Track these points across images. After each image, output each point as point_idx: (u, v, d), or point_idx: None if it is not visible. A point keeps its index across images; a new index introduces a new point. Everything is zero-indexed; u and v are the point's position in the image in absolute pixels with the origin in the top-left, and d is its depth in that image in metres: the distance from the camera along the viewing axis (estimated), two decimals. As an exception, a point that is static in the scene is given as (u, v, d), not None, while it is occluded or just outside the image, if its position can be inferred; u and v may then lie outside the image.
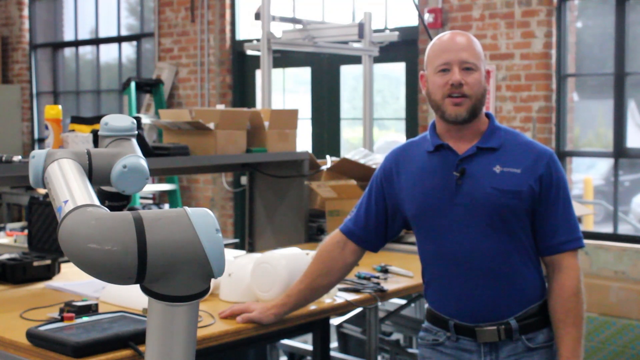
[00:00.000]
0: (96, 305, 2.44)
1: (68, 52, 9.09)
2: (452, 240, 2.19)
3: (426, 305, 2.36)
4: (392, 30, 6.02)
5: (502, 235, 2.17)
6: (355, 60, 5.93)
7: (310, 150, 4.40)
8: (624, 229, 5.67)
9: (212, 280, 1.10)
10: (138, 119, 3.43)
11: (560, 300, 2.18)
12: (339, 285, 2.84)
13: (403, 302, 4.14)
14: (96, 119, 3.32)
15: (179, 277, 1.06)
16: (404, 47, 6.14)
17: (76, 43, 8.88)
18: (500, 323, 2.19)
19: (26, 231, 4.15)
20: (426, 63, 2.25)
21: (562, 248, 2.19)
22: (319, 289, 2.45)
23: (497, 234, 2.16)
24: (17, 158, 2.81)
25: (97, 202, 1.16)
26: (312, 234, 4.06)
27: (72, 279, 3.00)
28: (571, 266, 2.19)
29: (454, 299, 2.22)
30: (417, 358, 2.45)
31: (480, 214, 2.16)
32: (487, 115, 2.29)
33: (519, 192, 2.16)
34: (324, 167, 4.21)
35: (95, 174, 1.37)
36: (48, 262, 3.08)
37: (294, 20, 5.37)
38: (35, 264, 3.04)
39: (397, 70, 6.62)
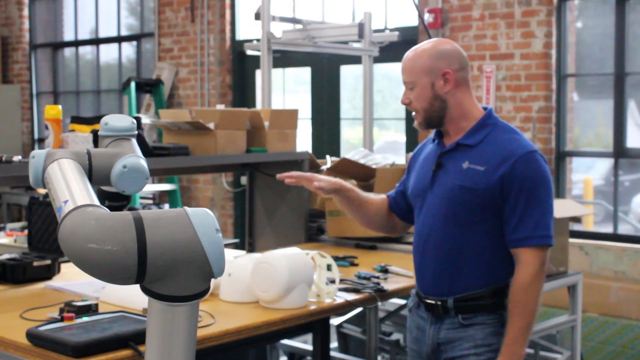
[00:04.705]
0: (96, 305, 2.44)
1: (68, 52, 9.08)
2: (423, 223, 2.44)
3: None
4: (392, 30, 6.02)
5: (455, 226, 2.35)
6: (355, 60, 5.93)
7: (310, 150, 4.40)
8: (624, 229, 5.67)
9: (212, 280, 1.10)
10: (138, 119, 3.44)
11: (510, 292, 2.32)
12: (339, 285, 2.84)
13: (403, 302, 4.14)
14: (96, 119, 3.32)
15: (179, 277, 1.06)
16: (404, 47, 6.08)
17: (76, 43, 8.87)
18: (440, 299, 2.39)
19: (26, 231, 4.15)
20: None
21: (519, 244, 2.32)
22: (368, 210, 2.61)
23: (451, 225, 2.35)
24: (17, 158, 2.82)
25: (97, 202, 1.16)
26: (312, 234, 4.06)
27: (72, 279, 3.00)
28: (526, 261, 2.30)
29: (417, 271, 2.49)
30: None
31: (442, 205, 2.37)
32: (485, 109, 2.44)
33: (475, 189, 2.32)
34: (324, 167, 4.21)
35: (95, 174, 1.37)
36: (48, 262, 3.08)
37: (294, 20, 5.36)
38: (35, 264, 3.04)
39: (397, 70, 6.57)
